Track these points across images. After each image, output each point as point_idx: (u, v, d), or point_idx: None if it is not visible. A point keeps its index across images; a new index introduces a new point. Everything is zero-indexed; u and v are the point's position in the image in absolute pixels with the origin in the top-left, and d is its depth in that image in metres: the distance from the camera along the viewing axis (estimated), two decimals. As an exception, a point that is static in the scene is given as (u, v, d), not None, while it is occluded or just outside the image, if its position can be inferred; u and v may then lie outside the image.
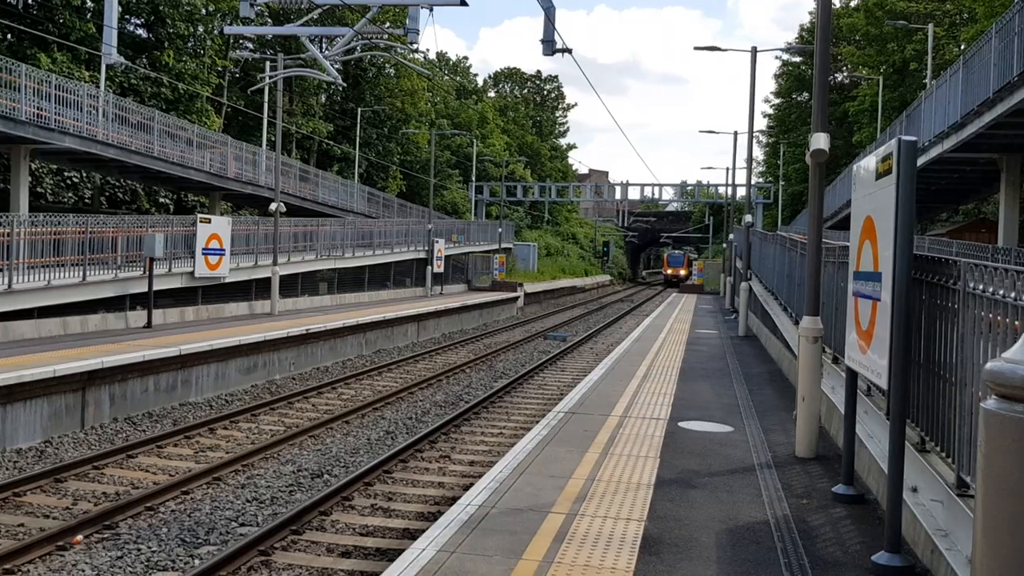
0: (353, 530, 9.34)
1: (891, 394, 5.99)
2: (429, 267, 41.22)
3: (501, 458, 8.94)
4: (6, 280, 17.08)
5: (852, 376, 7.55)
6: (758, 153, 77.49)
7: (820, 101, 9.39)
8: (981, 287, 5.12)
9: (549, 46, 17.78)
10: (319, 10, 28.95)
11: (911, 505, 6.16)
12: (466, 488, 8.32)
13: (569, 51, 17.66)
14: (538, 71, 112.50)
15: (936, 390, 5.99)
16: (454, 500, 7.46)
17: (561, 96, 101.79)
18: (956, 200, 37.05)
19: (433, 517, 9.24)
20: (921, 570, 5.81)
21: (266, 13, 42.57)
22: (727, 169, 57.82)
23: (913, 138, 6.16)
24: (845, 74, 60.32)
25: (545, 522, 6.63)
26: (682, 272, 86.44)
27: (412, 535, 8.63)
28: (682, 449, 9.41)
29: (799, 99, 65.06)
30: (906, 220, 5.90)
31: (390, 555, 8.08)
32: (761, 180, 69.96)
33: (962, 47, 35.59)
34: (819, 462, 9.02)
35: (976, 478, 3.16)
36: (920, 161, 24.22)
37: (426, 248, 41.39)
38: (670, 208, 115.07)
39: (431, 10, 21.52)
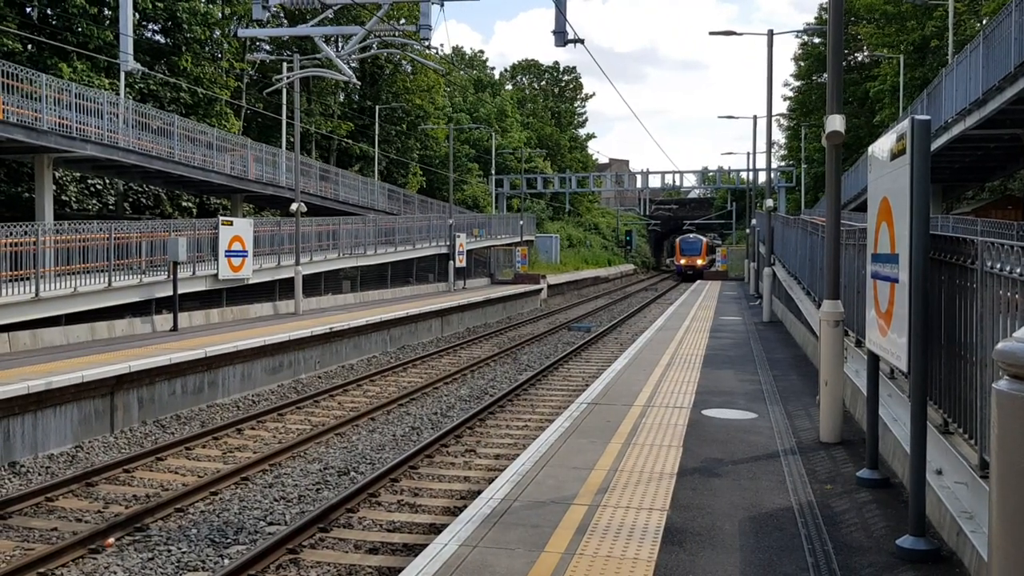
0: (380, 526, 9.40)
1: (911, 376, 5.95)
2: (451, 262, 41.30)
3: (525, 451, 8.96)
4: (34, 288, 17.32)
5: (874, 359, 7.49)
6: (780, 136, 77.03)
7: (835, 82, 9.30)
8: (999, 266, 5.06)
9: (561, 37, 17.75)
10: (331, 10, 29.01)
11: (936, 488, 6.12)
12: (492, 481, 8.36)
13: (581, 41, 17.63)
14: (556, 62, 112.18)
15: (958, 371, 5.94)
16: (480, 494, 7.52)
17: (579, 86, 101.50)
18: (981, 178, 36.60)
19: (459, 511, 9.27)
20: (947, 553, 5.76)
21: (281, 14, 42.76)
22: (748, 154, 56.87)
23: (926, 117, 6.10)
24: (865, 53, 59.64)
25: (567, 514, 6.65)
26: (699, 262, 72.80)
27: (438, 530, 8.67)
28: (705, 437, 9.39)
29: (820, 80, 64.37)
30: (921, 200, 5.85)
31: (417, 551, 8.11)
32: (783, 163, 69.44)
33: (983, 22, 35.06)
34: (844, 447, 8.97)
35: (990, 460, 3.13)
36: (942, 140, 23.94)
37: (448, 243, 41.47)
38: (692, 195, 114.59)
39: (442, 5, 21.52)
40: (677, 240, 78.71)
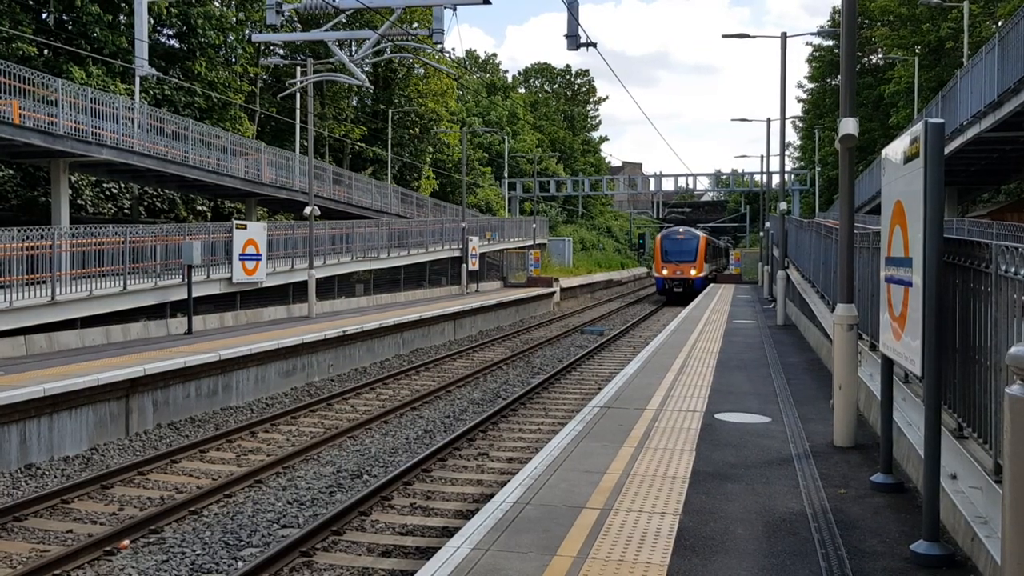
0: (393, 529, 9.43)
1: (925, 380, 5.92)
2: (464, 265, 41.33)
3: (537, 454, 8.97)
4: (50, 291, 17.44)
5: (888, 363, 7.46)
6: (794, 139, 76.84)
7: (848, 86, 9.27)
8: (1013, 270, 5.04)
9: (573, 41, 17.77)
10: (344, 14, 29.12)
11: (950, 493, 6.08)
12: (504, 485, 8.35)
13: (594, 45, 17.65)
14: (568, 66, 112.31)
15: (972, 375, 5.91)
16: (492, 497, 7.52)
17: (592, 90, 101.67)
18: (997, 180, 36.40)
19: (472, 515, 9.28)
20: (961, 558, 5.73)
21: (295, 19, 42.94)
22: (761, 157, 55.81)
23: (940, 120, 6.07)
24: (879, 56, 59.42)
25: (579, 518, 6.64)
26: (693, 272, 48.22)
27: (451, 533, 8.68)
28: (718, 441, 9.36)
29: (833, 83, 64.22)
30: (935, 203, 5.82)
31: (429, 554, 8.13)
32: (797, 166, 69.22)
33: (999, 23, 34.87)
34: (858, 451, 8.93)
35: (1003, 464, 3.12)
36: (957, 142, 23.82)
37: (460, 246, 41.51)
38: (705, 198, 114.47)
39: (454, 10, 21.60)
40: (659, 237, 52.15)
